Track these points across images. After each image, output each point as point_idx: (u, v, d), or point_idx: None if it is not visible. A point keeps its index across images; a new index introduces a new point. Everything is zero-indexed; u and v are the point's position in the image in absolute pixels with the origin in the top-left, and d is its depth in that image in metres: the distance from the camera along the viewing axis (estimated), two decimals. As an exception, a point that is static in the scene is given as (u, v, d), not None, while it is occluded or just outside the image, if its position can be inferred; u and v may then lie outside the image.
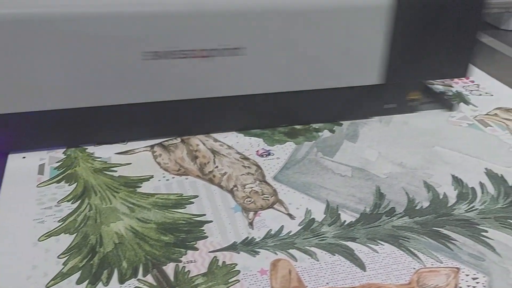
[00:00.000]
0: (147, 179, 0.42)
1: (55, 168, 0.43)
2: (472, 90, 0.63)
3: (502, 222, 0.40)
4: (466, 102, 0.60)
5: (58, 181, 0.42)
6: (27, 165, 0.43)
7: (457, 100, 0.60)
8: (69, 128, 0.45)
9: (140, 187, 0.41)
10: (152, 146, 0.46)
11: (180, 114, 0.46)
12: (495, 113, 0.58)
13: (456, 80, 0.65)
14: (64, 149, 0.45)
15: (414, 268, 0.35)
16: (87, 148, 0.46)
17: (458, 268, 0.35)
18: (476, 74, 0.68)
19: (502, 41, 0.81)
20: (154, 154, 0.45)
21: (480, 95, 0.62)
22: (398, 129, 0.53)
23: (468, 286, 0.33)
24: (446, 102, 0.57)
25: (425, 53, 0.48)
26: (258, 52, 0.44)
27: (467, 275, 0.34)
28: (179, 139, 0.47)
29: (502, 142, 0.52)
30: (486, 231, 0.39)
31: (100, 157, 0.44)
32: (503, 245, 0.37)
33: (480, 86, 0.64)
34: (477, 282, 0.34)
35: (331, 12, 0.44)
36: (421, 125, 0.54)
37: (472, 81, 0.66)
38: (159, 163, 0.44)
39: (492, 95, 0.62)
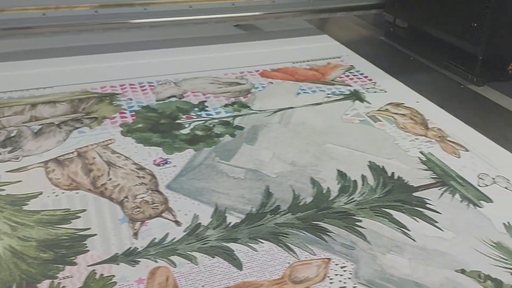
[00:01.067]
0: (35, 196, 0.40)
1: None
2: (368, 88, 0.66)
3: (376, 211, 0.42)
4: (361, 100, 0.62)
5: None
6: None
7: (353, 98, 0.62)
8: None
9: (27, 204, 0.39)
10: (46, 162, 0.44)
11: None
12: (386, 109, 0.60)
13: (354, 79, 0.68)
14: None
15: (289, 263, 0.36)
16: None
17: (329, 259, 0.36)
18: (375, 73, 0.71)
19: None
20: (47, 169, 0.43)
21: (375, 92, 0.64)
22: (295, 129, 0.54)
23: (336, 274, 0.35)
24: None
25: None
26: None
27: (337, 264, 0.36)
28: (75, 153, 0.46)
29: (388, 136, 0.54)
30: (361, 221, 0.40)
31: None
32: (374, 233, 0.39)
33: (377, 83, 0.67)
34: (345, 271, 0.35)
35: None
36: (316, 125, 0.55)
37: (370, 79, 0.68)
38: (50, 179, 0.42)
39: (386, 92, 0.65)
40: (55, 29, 0.63)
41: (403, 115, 0.59)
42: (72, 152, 0.46)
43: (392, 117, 0.58)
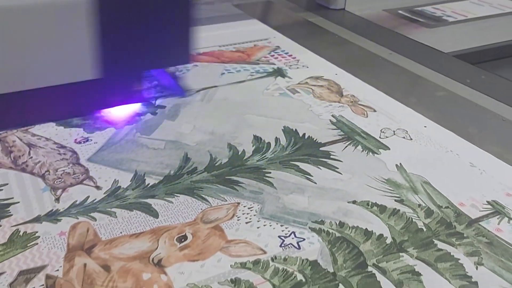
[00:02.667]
0: (-43, 177, 0.47)
1: None
2: (291, 65, 0.76)
3: (285, 164, 0.51)
4: (283, 76, 0.72)
5: None
6: None
7: (275, 75, 0.72)
8: None
9: (-51, 185, 0.46)
10: (-34, 149, 0.51)
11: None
12: (306, 82, 0.71)
13: (278, 58, 0.78)
14: None
15: (202, 209, 0.44)
16: None
17: (238, 203, 0.45)
18: (299, 51, 0.82)
19: (329, 19, 0.97)
20: (-32, 155, 0.50)
21: (298, 68, 0.75)
22: (218, 104, 0.64)
23: (243, 213, 0.44)
24: (179, 88, 0.66)
25: (140, 45, 0.56)
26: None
27: (245, 206, 0.45)
28: None
29: (304, 104, 0.64)
30: (270, 173, 0.50)
31: None
32: (281, 180, 0.49)
33: (300, 60, 0.78)
34: (251, 210, 0.44)
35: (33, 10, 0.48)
36: (239, 99, 0.65)
37: (294, 57, 0.79)
38: (-28, 162, 0.49)
39: (308, 67, 0.76)
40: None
41: (321, 86, 0.70)
42: (-8, 138, 0.53)
43: (311, 88, 0.69)
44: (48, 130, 0.56)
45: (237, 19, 0.96)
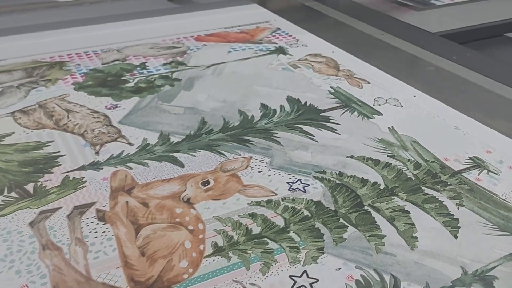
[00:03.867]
0: (9, 135, 0.54)
1: None
2: (291, 44, 0.83)
3: (289, 127, 0.58)
4: (284, 53, 0.79)
5: None
6: None
7: (277, 53, 0.79)
8: None
9: (3, 141, 0.52)
10: (13, 112, 0.58)
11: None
12: (306, 58, 0.78)
13: (280, 38, 0.85)
14: None
15: (220, 161, 0.51)
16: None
17: (250, 157, 0.52)
18: (298, 32, 0.88)
19: (324, 3, 1.04)
20: (15, 118, 0.57)
21: (298, 47, 0.82)
22: (227, 78, 0.70)
23: (256, 165, 0.51)
24: None
25: None
26: None
27: (256, 159, 0.52)
28: (36, 105, 0.59)
29: (305, 77, 0.71)
30: (277, 133, 0.57)
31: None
32: (287, 139, 0.56)
33: (299, 40, 0.84)
34: (262, 162, 0.51)
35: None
36: (246, 72, 0.72)
37: (294, 37, 0.86)
38: (19, 124, 0.55)
39: (307, 46, 0.82)
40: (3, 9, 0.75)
41: (320, 62, 0.77)
42: (33, 105, 0.59)
43: (310, 64, 0.76)
44: (81, 98, 0.62)
45: (239, 4, 1.02)
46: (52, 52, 0.74)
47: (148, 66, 0.72)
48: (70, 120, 0.57)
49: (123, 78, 0.68)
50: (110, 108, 0.61)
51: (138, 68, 0.71)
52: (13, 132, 0.54)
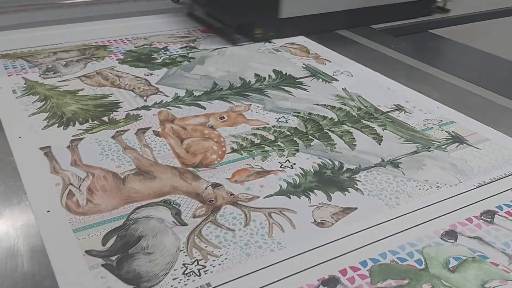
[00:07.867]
0: (80, 90, 0.74)
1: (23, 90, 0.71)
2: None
3: (275, 87, 0.80)
4: (269, 42, 1.00)
5: (28, 95, 0.70)
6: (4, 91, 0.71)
7: (264, 42, 1.00)
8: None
9: (78, 93, 0.72)
10: (79, 77, 0.77)
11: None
12: (285, 45, 0.99)
13: (265, 31, 1.06)
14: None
15: (230, 106, 0.72)
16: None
17: (250, 104, 0.73)
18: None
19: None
20: (82, 80, 0.76)
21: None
22: (229, 57, 0.91)
23: (254, 109, 0.71)
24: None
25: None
26: None
27: (254, 106, 0.73)
28: (94, 73, 0.78)
29: (285, 58, 0.93)
30: (267, 91, 0.78)
31: (47, 84, 0.74)
32: (274, 95, 0.77)
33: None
34: (258, 107, 0.72)
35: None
36: (242, 54, 0.93)
37: (276, 31, 1.07)
38: (86, 84, 0.75)
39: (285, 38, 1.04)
40: (55, 4, 0.94)
41: (295, 48, 0.98)
42: (92, 72, 0.78)
43: (289, 49, 0.97)
44: (126, 69, 0.82)
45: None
46: (96, 38, 0.94)
47: (169, 49, 0.92)
48: (122, 82, 0.76)
49: (153, 56, 0.89)
50: (147, 75, 0.81)
51: (162, 50, 0.91)
52: (83, 89, 0.75)
